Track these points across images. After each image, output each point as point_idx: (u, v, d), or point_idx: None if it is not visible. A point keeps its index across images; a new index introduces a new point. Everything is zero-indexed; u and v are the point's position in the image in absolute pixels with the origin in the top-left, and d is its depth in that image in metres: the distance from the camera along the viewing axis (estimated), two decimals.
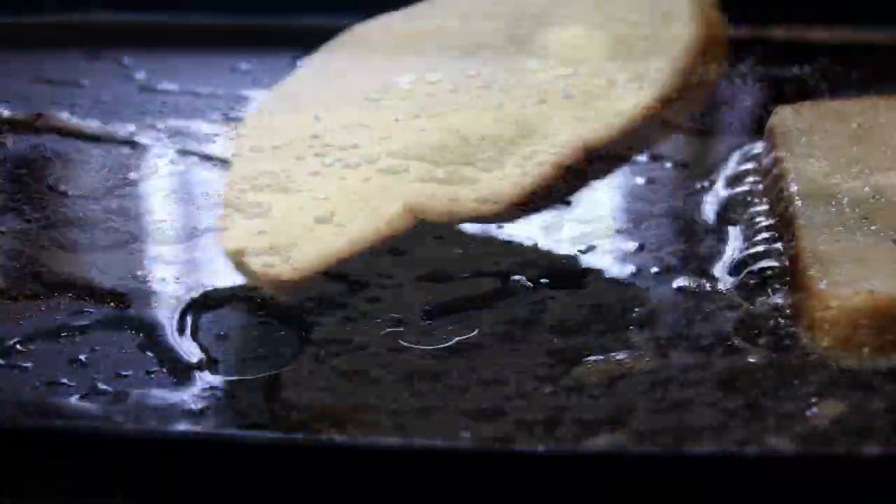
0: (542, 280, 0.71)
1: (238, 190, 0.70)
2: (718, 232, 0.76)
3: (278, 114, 0.75)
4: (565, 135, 0.63)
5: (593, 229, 0.78)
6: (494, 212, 0.64)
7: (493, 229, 0.74)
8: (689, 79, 0.64)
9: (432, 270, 0.72)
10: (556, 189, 0.63)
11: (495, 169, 0.64)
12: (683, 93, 0.64)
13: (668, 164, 0.85)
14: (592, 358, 0.65)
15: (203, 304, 0.70)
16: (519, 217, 0.67)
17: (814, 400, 0.62)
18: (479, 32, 0.70)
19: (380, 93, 0.70)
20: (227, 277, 0.71)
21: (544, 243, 0.75)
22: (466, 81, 0.67)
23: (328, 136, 0.69)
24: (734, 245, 0.74)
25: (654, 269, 0.73)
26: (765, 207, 0.76)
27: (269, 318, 0.69)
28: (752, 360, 0.65)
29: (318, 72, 0.78)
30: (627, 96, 0.64)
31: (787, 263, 0.70)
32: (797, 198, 0.72)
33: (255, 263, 0.64)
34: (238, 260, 0.65)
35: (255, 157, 0.72)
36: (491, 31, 0.70)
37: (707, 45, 0.64)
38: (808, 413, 0.61)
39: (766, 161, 0.79)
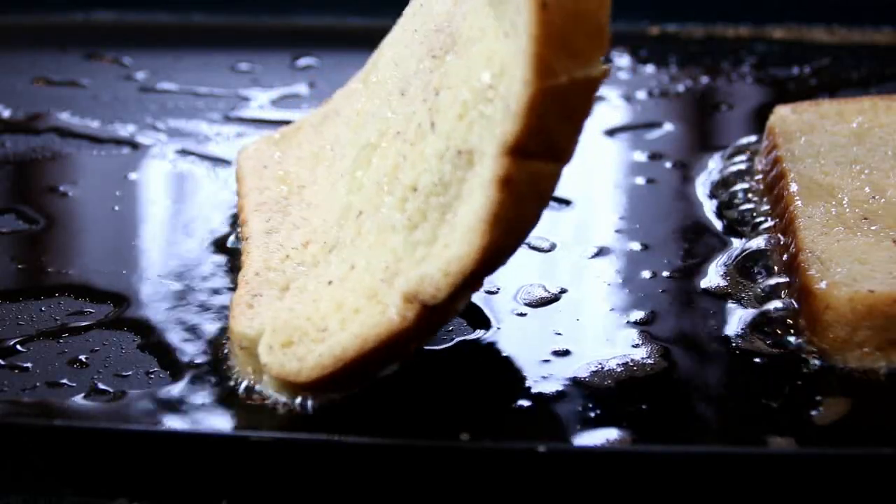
0: (542, 280, 0.71)
1: (255, 274, 0.67)
2: (718, 232, 0.76)
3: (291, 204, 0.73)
4: (489, 146, 0.58)
5: (594, 230, 0.78)
6: (473, 268, 0.58)
7: None
8: (563, 39, 0.56)
9: None
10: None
11: (458, 212, 0.60)
12: (561, 54, 0.56)
13: (668, 164, 0.85)
14: (594, 358, 0.65)
15: (202, 304, 0.70)
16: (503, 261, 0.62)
17: (815, 399, 0.62)
18: (407, 72, 0.67)
19: (347, 171, 0.68)
20: (226, 277, 0.72)
21: (544, 243, 0.75)
22: (405, 128, 0.64)
23: (320, 231, 0.67)
24: (734, 245, 0.74)
25: (654, 270, 0.73)
26: (765, 207, 0.76)
27: None
28: (752, 360, 0.65)
29: (303, 150, 0.76)
30: (515, 81, 0.57)
31: (787, 264, 0.70)
32: (797, 198, 0.72)
33: (269, 360, 0.62)
34: (246, 346, 0.63)
35: (268, 245, 0.69)
36: (415, 66, 0.67)
37: None
38: (809, 413, 0.61)
39: (766, 161, 0.79)
